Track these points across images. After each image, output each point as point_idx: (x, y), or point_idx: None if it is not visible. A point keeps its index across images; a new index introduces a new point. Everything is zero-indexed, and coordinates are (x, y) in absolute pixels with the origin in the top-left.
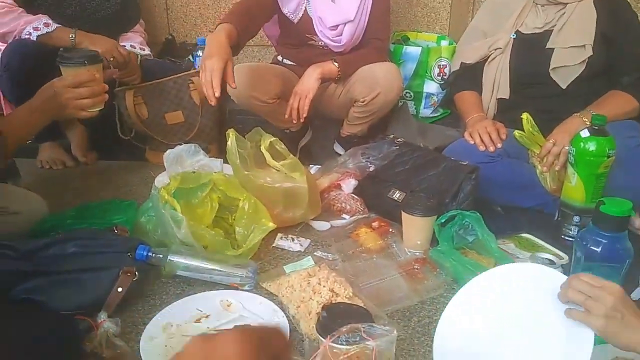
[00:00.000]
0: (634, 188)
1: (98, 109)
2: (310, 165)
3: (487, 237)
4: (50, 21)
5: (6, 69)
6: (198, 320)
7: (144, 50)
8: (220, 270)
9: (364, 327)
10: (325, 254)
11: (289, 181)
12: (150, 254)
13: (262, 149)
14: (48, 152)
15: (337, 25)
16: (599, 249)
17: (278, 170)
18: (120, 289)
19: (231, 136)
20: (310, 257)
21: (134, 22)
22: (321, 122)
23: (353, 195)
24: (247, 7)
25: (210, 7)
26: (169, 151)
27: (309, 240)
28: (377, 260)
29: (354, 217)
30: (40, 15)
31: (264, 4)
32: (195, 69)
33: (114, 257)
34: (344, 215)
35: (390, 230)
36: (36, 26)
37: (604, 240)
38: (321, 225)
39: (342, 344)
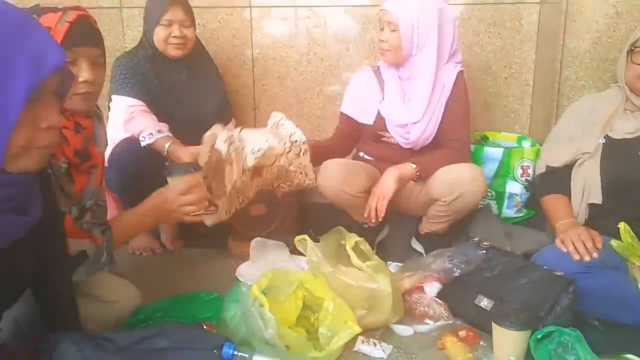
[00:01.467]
0: None
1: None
2: (389, 263)
3: (589, 359)
4: (163, 128)
5: (117, 162)
6: None
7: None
8: None
9: None
10: None
11: (373, 282)
12: (235, 352)
13: (348, 248)
14: (140, 239)
15: (406, 125)
16: None
17: (362, 271)
18: None
19: (307, 239)
20: None
21: (227, 122)
22: (398, 217)
23: (437, 299)
24: (340, 132)
25: (294, 106)
26: (255, 240)
27: (391, 346)
28: None
29: (438, 322)
30: (157, 122)
31: (352, 125)
32: None
33: (201, 354)
34: (428, 321)
35: (480, 342)
36: (150, 133)
37: None
38: (404, 330)
39: None
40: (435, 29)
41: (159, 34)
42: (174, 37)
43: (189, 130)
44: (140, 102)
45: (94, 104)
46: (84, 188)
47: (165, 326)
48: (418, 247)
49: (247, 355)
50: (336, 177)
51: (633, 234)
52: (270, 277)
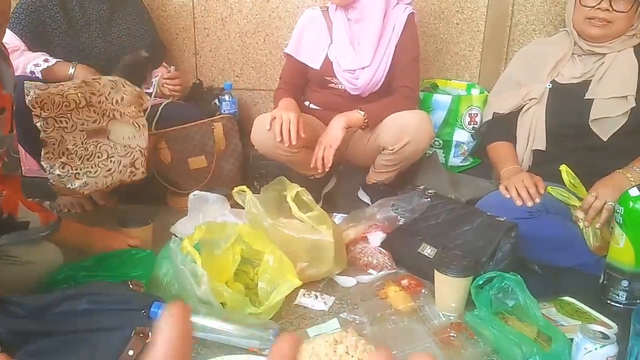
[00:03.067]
0: None
1: None
2: (335, 214)
3: (529, 303)
4: (48, 57)
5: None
6: None
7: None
8: (238, 333)
9: None
10: (352, 315)
11: (315, 234)
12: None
13: (289, 199)
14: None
15: (354, 70)
16: None
17: (303, 222)
18: (131, 352)
19: (247, 191)
20: (335, 319)
21: (157, 63)
22: (346, 168)
23: (380, 249)
24: (291, 79)
25: (238, 52)
26: (194, 194)
27: (333, 298)
28: (408, 325)
29: (382, 272)
30: (38, 52)
31: (299, 69)
32: (220, 113)
33: (127, 315)
34: (371, 271)
35: (423, 290)
36: (36, 62)
37: None
38: (346, 281)
39: None
40: None
41: None
42: None
43: (108, 71)
44: (20, 43)
45: None
46: None
47: (87, 286)
48: (365, 198)
49: None
50: (268, 133)
51: (574, 175)
52: (204, 231)
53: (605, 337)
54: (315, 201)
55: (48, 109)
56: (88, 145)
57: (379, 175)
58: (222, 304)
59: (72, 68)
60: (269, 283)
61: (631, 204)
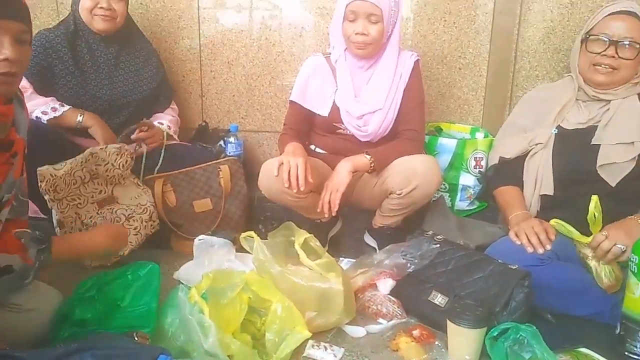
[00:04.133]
0: None
1: None
2: (341, 258)
3: (547, 357)
4: (57, 105)
5: None
6: None
7: (170, 129)
8: None
9: None
10: None
11: (324, 282)
12: None
13: (297, 246)
14: None
15: (363, 115)
16: None
17: (312, 270)
18: None
19: (255, 237)
20: None
21: (166, 104)
22: (351, 211)
23: (390, 296)
24: (296, 125)
25: (244, 94)
26: (199, 238)
27: (342, 349)
28: None
29: (392, 322)
30: (48, 98)
31: (304, 115)
32: (226, 155)
33: None
34: (380, 320)
35: (435, 342)
36: (44, 110)
37: None
38: (356, 331)
39: None
40: (400, 16)
41: (85, 3)
42: (101, 8)
43: (116, 113)
44: (27, 85)
45: (16, 87)
46: (4, 180)
47: (91, 340)
48: (371, 242)
49: None
50: (276, 178)
51: (600, 210)
52: (212, 279)
53: None
54: (322, 245)
55: (61, 190)
56: (105, 215)
57: (385, 219)
58: (229, 356)
59: (80, 116)
60: (277, 334)
61: None
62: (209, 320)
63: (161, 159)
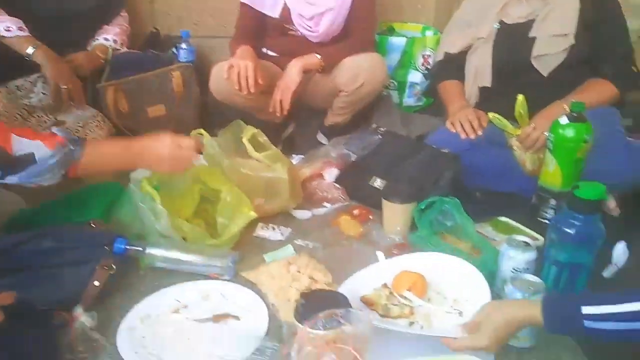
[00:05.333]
0: (611, 171)
1: None
2: (293, 156)
3: (465, 222)
4: (14, 26)
5: None
6: (176, 311)
7: (116, 42)
8: (199, 261)
9: (340, 313)
10: (306, 242)
11: (270, 172)
12: (127, 246)
13: (244, 140)
14: None
15: (314, 16)
16: (572, 231)
17: (259, 161)
18: (97, 283)
19: (204, 134)
20: (290, 245)
21: (115, 13)
22: (305, 112)
23: (335, 184)
24: (247, 28)
25: (195, 0)
26: None
27: (290, 229)
28: (357, 247)
29: (335, 205)
30: (8, 17)
31: (255, 18)
32: (178, 62)
33: (91, 251)
34: (325, 204)
35: (371, 217)
36: (9, 26)
37: (577, 223)
38: (302, 214)
39: (319, 329)
40: None
41: None
42: None
43: (66, 26)
44: None
45: None
46: None
47: (49, 228)
48: (323, 139)
49: (139, 249)
50: (228, 81)
51: (526, 107)
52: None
53: (527, 245)
54: (273, 144)
55: None
56: None
57: (336, 117)
58: (183, 238)
59: (32, 49)
60: (227, 217)
61: (560, 131)
62: (161, 206)
63: (106, 71)
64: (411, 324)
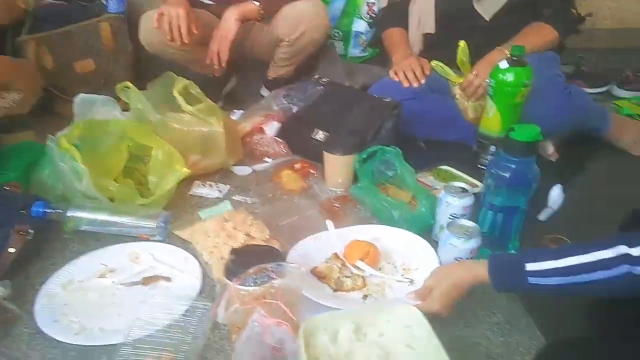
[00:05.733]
0: (550, 116)
1: None
2: (235, 111)
3: (405, 172)
4: None
5: None
6: (102, 276)
7: None
8: (127, 222)
9: (271, 267)
10: (245, 198)
11: (205, 126)
12: (47, 210)
13: (175, 93)
14: None
15: None
16: (507, 175)
17: (193, 115)
18: (12, 250)
19: (131, 87)
20: (228, 201)
21: None
22: (247, 66)
23: (276, 138)
24: None
25: None
26: (79, 96)
27: (228, 186)
28: (298, 201)
29: (277, 160)
30: None
31: None
32: (107, 13)
33: (5, 215)
34: (267, 159)
35: (312, 171)
36: None
37: (512, 166)
38: (242, 170)
39: (250, 285)
40: None
41: None
42: None
43: None
44: None
45: None
46: None
47: None
48: (266, 93)
49: (61, 212)
50: (159, 31)
51: (467, 53)
52: (82, 128)
53: (464, 191)
54: (214, 99)
55: None
56: None
57: (279, 70)
58: (110, 199)
59: None
60: (159, 176)
61: (500, 76)
62: (82, 165)
63: (27, 23)
64: (365, 297)
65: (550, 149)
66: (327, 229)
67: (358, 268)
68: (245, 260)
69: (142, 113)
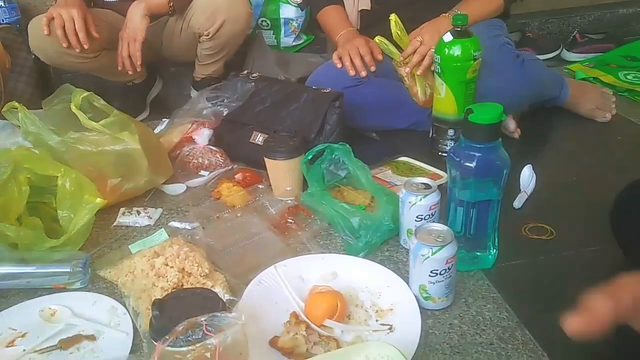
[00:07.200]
0: (506, 89)
1: None
2: (163, 120)
3: (358, 170)
4: None
5: None
6: (11, 343)
7: None
8: (37, 272)
9: (205, 320)
10: (183, 223)
11: (117, 144)
12: None
13: (73, 108)
14: None
15: None
16: (473, 164)
17: (99, 132)
18: None
19: (20, 107)
20: (163, 230)
21: None
22: (171, 67)
23: (210, 147)
24: None
25: None
26: None
27: (160, 210)
28: (244, 219)
29: (215, 172)
30: None
31: None
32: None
33: None
34: (203, 172)
35: (256, 181)
36: None
37: (477, 154)
38: (175, 189)
39: (182, 345)
40: None
41: None
42: None
43: None
44: None
45: None
46: None
47: None
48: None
49: None
50: (51, 38)
51: (402, 26)
52: None
53: (427, 187)
54: (139, 108)
55: None
56: None
57: (205, 69)
58: (14, 245)
59: None
60: (70, 209)
61: (446, 50)
62: None
63: None
64: None
65: (511, 125)
66: (279, 252)
67: (326, 327)
68: (173, 313)
69: (37, 137)
